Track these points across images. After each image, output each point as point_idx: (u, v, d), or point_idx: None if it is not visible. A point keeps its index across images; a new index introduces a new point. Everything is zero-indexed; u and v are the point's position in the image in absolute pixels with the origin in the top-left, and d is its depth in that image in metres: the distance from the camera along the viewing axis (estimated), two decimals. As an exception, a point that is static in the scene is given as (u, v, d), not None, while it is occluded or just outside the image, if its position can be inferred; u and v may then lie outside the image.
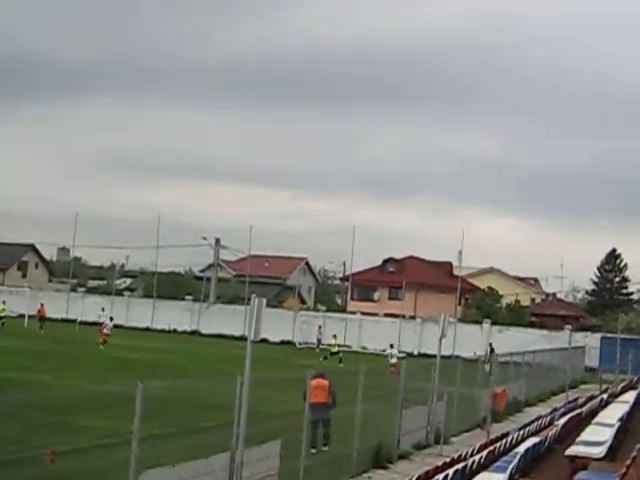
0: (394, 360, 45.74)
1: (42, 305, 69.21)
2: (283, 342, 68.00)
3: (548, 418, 26.60)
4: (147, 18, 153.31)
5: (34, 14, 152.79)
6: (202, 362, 44.35)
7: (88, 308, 75.91)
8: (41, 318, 67.30)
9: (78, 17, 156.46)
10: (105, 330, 55.91)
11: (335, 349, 54.42)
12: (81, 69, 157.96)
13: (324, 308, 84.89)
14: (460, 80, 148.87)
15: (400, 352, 60.27)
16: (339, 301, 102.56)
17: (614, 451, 19.28)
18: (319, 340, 69.25)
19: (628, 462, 16.63)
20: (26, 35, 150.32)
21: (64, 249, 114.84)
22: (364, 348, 69.79)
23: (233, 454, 14.08)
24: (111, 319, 59.09)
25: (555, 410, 29.71)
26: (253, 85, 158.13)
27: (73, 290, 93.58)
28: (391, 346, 51.81)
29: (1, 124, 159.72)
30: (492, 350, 41.51)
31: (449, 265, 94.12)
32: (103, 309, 68.53)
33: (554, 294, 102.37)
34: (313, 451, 19.81)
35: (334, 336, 58.69)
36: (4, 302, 65.88)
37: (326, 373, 22.23)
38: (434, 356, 26.72)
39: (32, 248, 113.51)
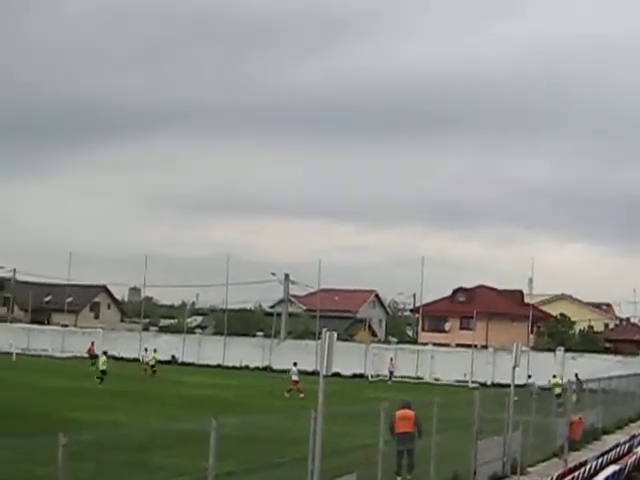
0: (295, 377, 49.49)
1: (92, 343, 71.36)
2: (355, 375, 67.78)
3: (627, 445, 26.11)
4: (211, 65, 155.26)
5: (107, 61, 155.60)
6: (275, 398, 44.34)
7: (160, 347, 76.34)
8: (91, 356, 68.89)
9: (146, 67, 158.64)
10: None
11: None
12: (148, 117, 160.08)
13: (395, 340, 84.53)
14: (521, 109, 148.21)
15: (473, 382, 59.97)
16: (410, 333, 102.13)
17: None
18: (391, 372, 69.20)
19: None
20: (103, 82, 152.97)
21: (135, 289, 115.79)
22: (436, 379, 69.32)
23: (310, 490, 14.02)
24: (154, 350, 66.36)
25: (634, 437, 29.14)
26: (314, 121, 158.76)
27: (145, 329, 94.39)
28: (294, 364, 51.81)
29: (68, 170, 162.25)
30: (578, 379, 40.88)
31: (520, 293, 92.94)
32: (146, 349, 70.51)
33: (628, 319, 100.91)
34: (398, 478, 20.41)
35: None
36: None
37: (412, 404, 22.56)
38: (508, 385, 26.38)
39: (104, 289, 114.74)
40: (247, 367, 76.71)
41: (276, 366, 77.06)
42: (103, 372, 53.15)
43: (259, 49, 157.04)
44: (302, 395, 44.47)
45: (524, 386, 29.76)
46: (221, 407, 35.88)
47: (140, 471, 17.16)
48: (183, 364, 78.08)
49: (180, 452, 17.76)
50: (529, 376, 47.92)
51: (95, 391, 45.05)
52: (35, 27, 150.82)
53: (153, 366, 62.63)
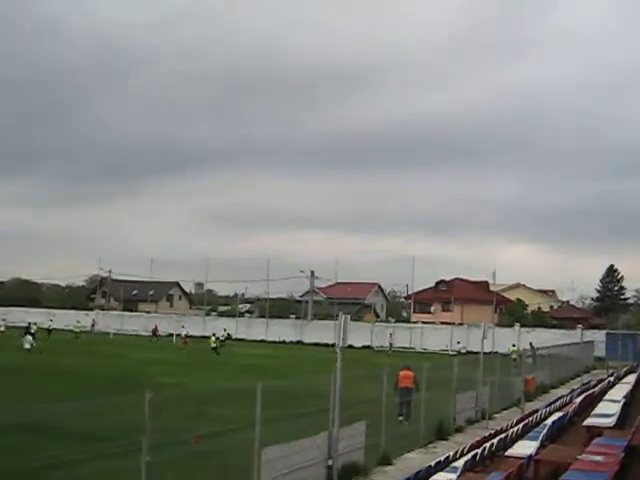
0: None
1: (156, 326, 72.21)
2: (364, 347, 67.53)
3: (568, 397, 25.93)
4: (258, 109, 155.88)
5: (179, 113, 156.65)
6: (305, 364, 44.29)
7: (219, 327, 76.66)
8: (154, 335, 69.60)
9: (207, 111, 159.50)
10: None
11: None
12: (207, 150, 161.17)
13: (393, 320, 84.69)
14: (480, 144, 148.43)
15: (452, 350, 59.72)
16: (404, 314, 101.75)
17: (621, 421, 18.67)
18: (391, 344, 69.49)
19: (633, 429, 16.20)
20: (171, 130, 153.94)
21: (200, 284, 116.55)
22: (425, 349, 69.18)
23: (330, 432, 14.01)
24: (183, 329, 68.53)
25: (573, 391, 28.92)
26: (333, 158, 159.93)
27: (207, 314, 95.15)
28: (225, 329, 50.65)
29: (150, 195, 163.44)
30: (532, 347, 40.66)
31: (486, 283, 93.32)
32: (183, 326, 72.57)
33: (568, 302, 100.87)
34: (400, 419, 21.16)
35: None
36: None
37: (411, 366, 23.34)
38: (478, 353, 26.32)
39: (176, 284, 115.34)
40: (283, 342, 76.71)
41: (306, 340, 77.46)
42: (214, 349, 54.18)
43: (304, 99, 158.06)
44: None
45: (489, 353, 29.57)
46: (265, 371, 35.95)
47: (204, 420, 17.19)
48: (236, 340, 78.45)
49: (234, 405, 17.80)
50: (513, 345, 47.68)
51: (170, 360, 45.16)
52: (132, 88, 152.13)
53: (223, 341, 62.47)
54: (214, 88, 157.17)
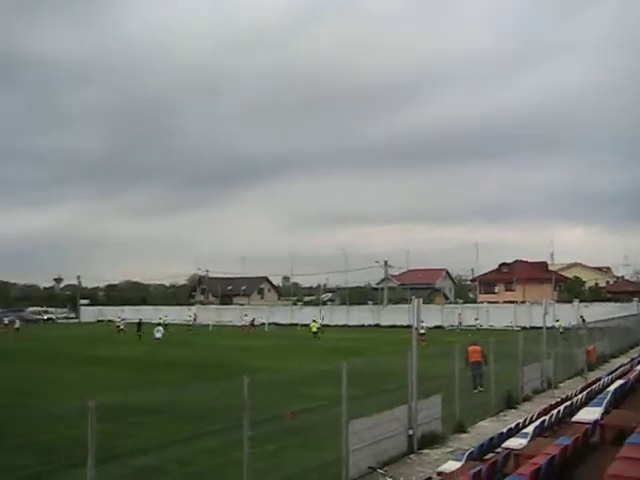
0: (422, 331, 45.78)
1: (253, 318, 72.76)
2: (436, 327, 66.95)
3: (629, 365, 25.13)
4: (327, 123, 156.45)
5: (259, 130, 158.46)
6: (384, 345, 44.14)
7: (305, 315, 77.22)
8: (252, 325, 70.29)
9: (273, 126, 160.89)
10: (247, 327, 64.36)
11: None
12: (287, 159, 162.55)
13: (461, 301, 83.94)
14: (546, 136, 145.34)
15: (516, 326, 58.59)
16: (471, 296, 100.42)
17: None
18: (459, 323, 68.76)
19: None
20: (252, 144, 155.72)
21: (286, 278, 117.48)
22: (491, 326, 68.12)
23: (410, 405, 13.96)
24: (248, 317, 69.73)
25: (633, 359, 28.03)
26: (397, 157, 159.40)
27: (294, 304, 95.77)
28: (422, 321, 50.12)
29: (239, 201, 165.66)
30: (583, 320, 39.62)
31: (545, 264, 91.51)
32: (246, 315, 73.25)
33: (622, 277, 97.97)
34: (475, 390, 21.18)
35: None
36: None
37: (478, 341, 23.19)
38: (541, 328, 25.78)
39: (266, 279, 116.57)
40: (362, 325, 76.68)
41: (383, 323, 77.26)
42: (315, 333, 55.35)
43: (361, 109, 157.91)
44: (424, 344, 42.86)
45: (552, 328, 28.91)
46: (348, 353, 35.99)
47: (297, 398, 17.33)
48: (322, 325, 78.82)
49: (323, 385, 17.88)
50: (557, 320, 46.56)
51: (264, 346, 45.67)
52: (217, 107, 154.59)
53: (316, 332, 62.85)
54: (287, 105, 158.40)
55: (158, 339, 47.73)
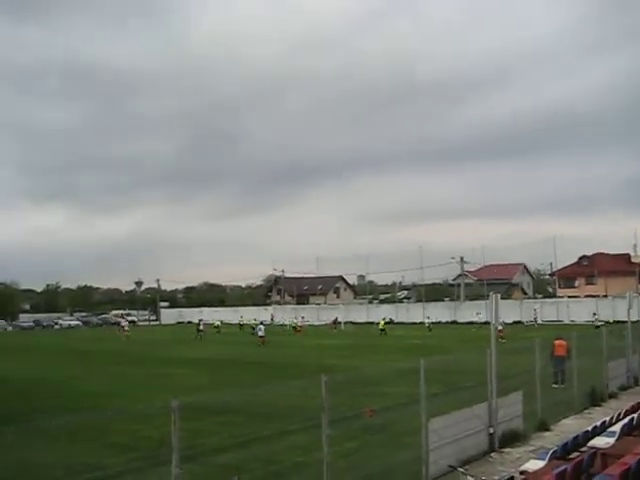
0: (500, 327, 44.45)
1: (302, 317, 72.42)
2: (514, 322, 65.83)
3: None
4: (397, 118, 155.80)
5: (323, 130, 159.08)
6: (461, 342, 43.62)
7: (382, 313, 77.04)
8: (334, 324, 70.42)
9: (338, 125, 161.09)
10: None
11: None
12: (358, 157, 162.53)
13: (540, 296, 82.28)
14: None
15: (599, 321, 56.87)
16: (550, 290, 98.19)
17: None
18: (535, 318, 67.65)
19: None
20: (320, 144, 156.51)
21: (362, 276, 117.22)
22: (572, 321, 66.49)
23: (490, 403, 13.77)
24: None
25: None
26: (468, 152, 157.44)
27: (370, 302, 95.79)
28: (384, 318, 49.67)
29: (313, 201, 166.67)
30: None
31: (627, 256, 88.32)
32: (303, 317, 74.50)
33: None
34: (555, 386, 20.59)
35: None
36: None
37: (564, 336, 22.53)
38: (625, 322, 24.96)
39: (341, 278, 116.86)
40: (439, 322, 75.98)
41: (459, 320, 76.50)
42: (382, 330, 56.26)
43: (431, 102, 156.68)
44: (504, 341, 42.18)
45: (637, 322, 27.91)
46: (425, 350, 35.73)
47: (375, 398, 17.31)
48: (397, 324, 78.79)
49: (401, 383, 17.81)
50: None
51: (341, 345, 45.79)
52: (285, 109, 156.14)
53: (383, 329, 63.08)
54: (357, 103, 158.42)
55: (262, 337, 48.60)
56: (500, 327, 44.49)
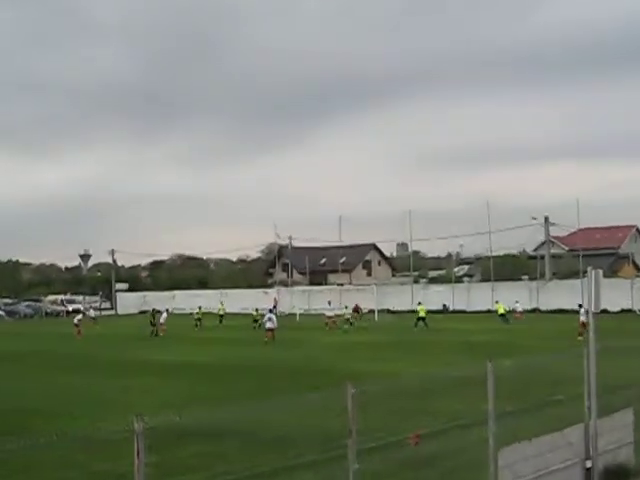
0: (583, 318, 43.87)
1: (329, 303, 73.06)
2: (623, 310, 65.54)
3: None
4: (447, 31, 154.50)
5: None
6: (544, 338, 43.68)
7: (431, 298, 76.94)
8: (356, 312, 71.06)
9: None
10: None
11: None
12: (396, 75, 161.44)
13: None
14: None
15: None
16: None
17: None
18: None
19: None
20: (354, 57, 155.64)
21: (402, 244, 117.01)
22: None
23: (587, 425, 13.79)
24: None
25: None
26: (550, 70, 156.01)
27: (415, 282, 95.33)
28: (580, 305, 49.25)
29: (331, 139, 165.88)
30: None
31: None
32: (330, 302, 73.94)
33: None
34: None
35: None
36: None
37: None
38: None
39: (373, 247, 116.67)
40: (515, 310, 75.85)
41: (543, 307, 76.12)
42: (422, 319, 57.51)
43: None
44: (580, 338, 42.42)
45: None
46: (493, 350, 35.77)
47: (422, 416, 17.41)
48: (454, 312, 78.37)
49: (458, 396, 17.90)
50: None
51: (372, 343, 45.94)
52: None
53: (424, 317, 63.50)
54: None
55: (271, 330, 49.64)
56: (583, 317, 44.52)
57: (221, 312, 74.28)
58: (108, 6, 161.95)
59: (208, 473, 13.48)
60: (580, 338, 42.26)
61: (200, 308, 69.24)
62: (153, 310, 62.59)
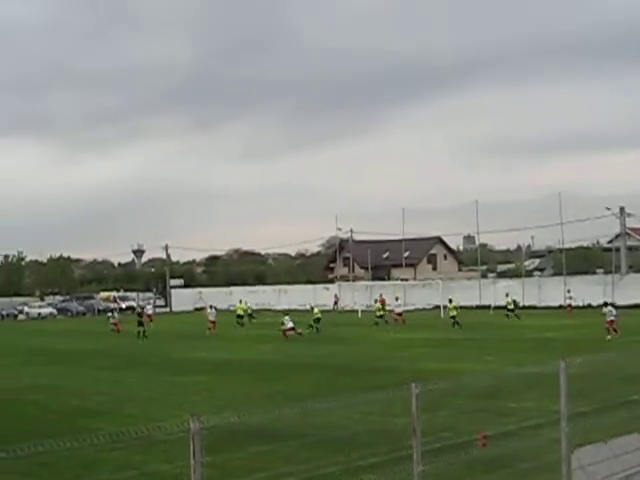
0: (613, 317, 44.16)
1: (397, 299, 72.53)
2: None
3: None
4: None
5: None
6: (621, 335, 43.13)
7: (500, 292, 76.47)
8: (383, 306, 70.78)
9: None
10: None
11: None
12: (464, 61, 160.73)
13: None
14: None
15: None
16: None
17: None
18: None
19: None
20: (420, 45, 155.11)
21: (469, 237, 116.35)
22: None
23: (665, 427, 13.68)
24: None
25: None
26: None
27: (483, 276, 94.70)
28: (605, 304, 48.37)
29: (394, 129, 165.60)
30: None
31: None
32: (397, 298, 71.22)
33: None
34: None
35: None
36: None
37: None
38: None
39: (439, 240, 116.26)
40: (590, 305, 74.95)
41: (619, 302, 75.15)
42: (511, 311, 58.31)
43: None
44: (609, 337, 41.84)
45: None
46: (565, 348, 35.54)
47: (491, 416, 17.37)
48: (524, 307, 77.90)
49: (528, 396, 17.83)
50: None
51: (434, 340, 45.85)
52: None
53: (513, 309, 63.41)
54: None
55: (292, 330, 50.13)
56: (612, 317, 43.83)
57: (239, 312, 68.63)
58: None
59: (268, 474, 13.64)
60: (609, 337, 41.72)
61: (241, 302, 69.10)
62: (210, 306, 62.96)
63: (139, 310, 66.50)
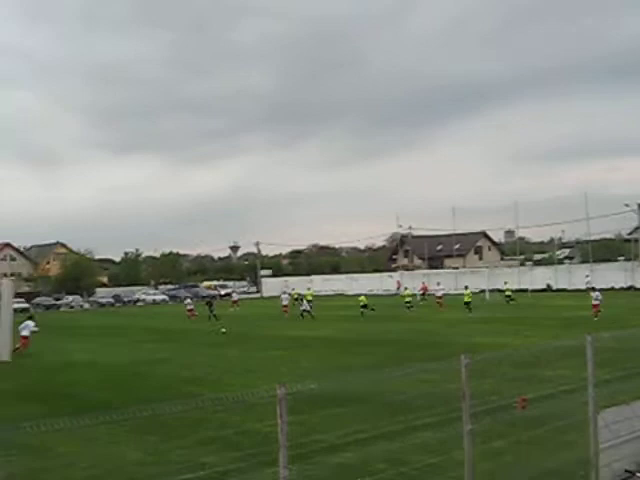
0: (597, 300, 43.02)
1: (423, 283, 71.38)
2: None
3: None
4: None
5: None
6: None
7: (536, 278, 75.90)
8: (424, 293, 69.67)
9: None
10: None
11: None
12: (500, 84, 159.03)
13: None
14: None
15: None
16: None
17: None
18: None
19: None
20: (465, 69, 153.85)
21: (510, 232, 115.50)
22: None
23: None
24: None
25: None
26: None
27: (522, 265, 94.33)
28: (593, 289, 46.88)
29: (440, 141, 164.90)
30: None
31: None
32: (439, 283, 69.60)
33: None
34: None
35: None
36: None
37: None
38: None
39: (483, 235, 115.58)
40: (612, 288, 73.91)
41: (638, 285, 74.30)
42: (467, 304, 54.09)
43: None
44: (596, 319, 40.61)
45: None
46: (592, 324, 35.01)
47: (532, 383, 17.14)
48: (557, 290, 77.53)
49: (563, 365, 17.54)
50: None
51: (481, 319, 45.45)
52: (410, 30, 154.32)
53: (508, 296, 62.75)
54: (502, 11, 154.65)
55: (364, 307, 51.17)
56: (597, 300, 42.67)
57: (309, 297, 62.46)
58: (251, 30, 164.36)
59: (343, 431, 13.63)
60: (596, 319, 40.47)
61: (309, 289, 69.33)
62: (284, 292, 63.10)
63: (208, 299, 66.44)
